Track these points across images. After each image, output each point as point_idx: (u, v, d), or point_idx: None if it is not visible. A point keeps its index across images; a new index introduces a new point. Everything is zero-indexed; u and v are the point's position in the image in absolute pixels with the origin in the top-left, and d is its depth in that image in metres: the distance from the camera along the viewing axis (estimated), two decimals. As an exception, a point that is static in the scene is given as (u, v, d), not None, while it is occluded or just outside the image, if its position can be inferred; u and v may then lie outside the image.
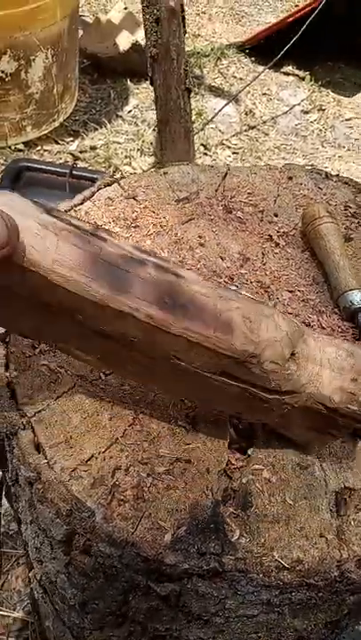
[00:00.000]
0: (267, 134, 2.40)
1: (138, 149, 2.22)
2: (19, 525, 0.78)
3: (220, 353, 0.48)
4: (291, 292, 0.71)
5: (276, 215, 0.80)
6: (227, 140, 2.35)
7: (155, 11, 1.49)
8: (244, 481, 0.56)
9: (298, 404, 0.52)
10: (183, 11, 1.54)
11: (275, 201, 0.82)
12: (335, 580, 0.53)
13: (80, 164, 2.08)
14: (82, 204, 0.78)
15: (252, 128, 2.42)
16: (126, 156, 2.19)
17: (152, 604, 0.59)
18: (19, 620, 1.19)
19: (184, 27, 1.55)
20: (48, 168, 1.73)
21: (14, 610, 1.19)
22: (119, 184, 0.81)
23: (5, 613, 1.18)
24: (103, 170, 2.06)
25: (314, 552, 0.52)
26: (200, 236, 0.76)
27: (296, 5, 3.11)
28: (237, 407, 0.55)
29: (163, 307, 0.48)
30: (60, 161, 2.16)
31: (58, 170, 1.72)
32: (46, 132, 2.19)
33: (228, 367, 0.50)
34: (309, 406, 0.52)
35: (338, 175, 0.87)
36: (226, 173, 0.85)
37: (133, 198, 0.79)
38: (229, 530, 0.52)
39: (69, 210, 0.77)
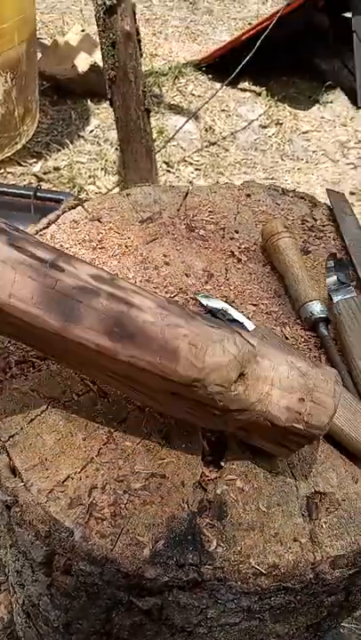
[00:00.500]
0: (227, 150, 2.46)
1: (101, 168, 2.24)
2: (-2, 551, 0.78)
3: (166, 378, 0.51)
4: (255, 305, 0.73)
5: (236, 232, 0.83)
6: (189, 156, 2.39)
7: (111, 35, 1.52)
8: (218, 492, 0.57)
9: (249, 420, 0.54)
10: (138, 34, 1.58)
11: (235, 218, 0.85)
12: (311, 582, 0.54)
13: (44, 186, 2.09)
14: (47, 227, 0.79)
15: (213, 144, 2.47)
16: (90, 176, 2.21)
17: (135, 619, 0.60)
18: (2, 649, 1.17)
19: (140, 49, 1.58)
20: (12, 190, 1.74)
21: (-3, 638, 1.17)
22: (83, 207, 0.83)
23: (-12, 642, 1.17)
24: (67, 190, 2.07)
25: (289, 556, 0.53)
26: (165, 255, 0.78)
27: (249, 24, 3.20)
28: (195, 419, 0.57)
29: (112, 336, 0.51)
30: (24, 183, 2.16)
31: (22, 192, 1.73)
32: (9, 154, 2.19)
33: (175, 389, 0.52)
34: (260, 422, 0.54)
35: (294, 191, 0.90)
36: (187, 193, 0.87)
37: (98, 220, 0.81)
38: (206, 540, 0.54)
39: (35, 234, 0.78)
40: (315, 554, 0.54)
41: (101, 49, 1.60)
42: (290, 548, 0.54)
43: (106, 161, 2.28)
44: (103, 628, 0.65)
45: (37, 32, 2.40)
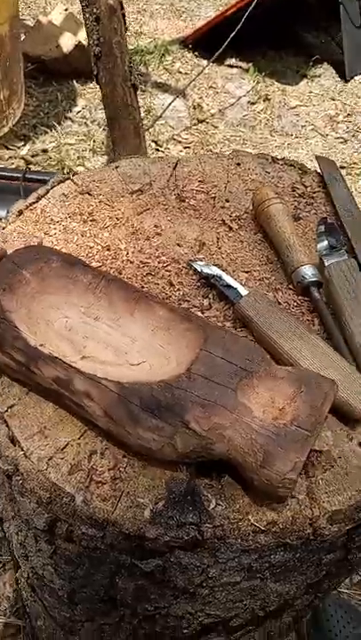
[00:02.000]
0: (216, 127, 2.44)
1: (90, 149, 2.23)
2: (1, 525, 0.79)
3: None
4: (247, 272, 0.74)
5: (227, 201, 0.83)
6: (177, 135, 2.37)
7: (94, 9, 1.49)
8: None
9: None
10: (122, 8, 1.56)
11: (225, 187, 0.84)
12: (309, 537, 0.55)
13: (33, 168, 2.08)
14: (37, 202, 0.79)
15: (202, 122, 2.46)
16: (79, 157, 2.19)
17: (138, 582, 0.61)
18: (10, 626, 1.19)
19: (125, 24, 1.56)
20: (0, 173, 1.72)
21: (5, 615, 1.19)
22: (72, 180, 0.83)
23: (-4, 619, 1.18)
24: (56, 172, 2.06)
25: (287, 512, 0.54)
26: (156, 226, 0.78)
27: (234, -2, 3.16)
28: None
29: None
30: (13, 166, 2.14)
31: (11, 174, 1.71)
32: (-5, 138, 2.17)
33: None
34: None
35: (283, 159, 0.90)
36: (176, 164, 0.87)
37: (88, 193, 0.81)
38: (205, 499, 0.54)
39: (25, 209, 0.78)
40: (312, 509, 0.55)
41: (85, 25, 1.58)
42: (288, 504, 0.55)
43: (94, 142, 2.26)
44: (107, 594, 0.66)
45: (20, 12, 2.36)
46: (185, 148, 2.31)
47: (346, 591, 1.31)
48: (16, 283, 0.62)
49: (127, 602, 0.66)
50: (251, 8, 2.34)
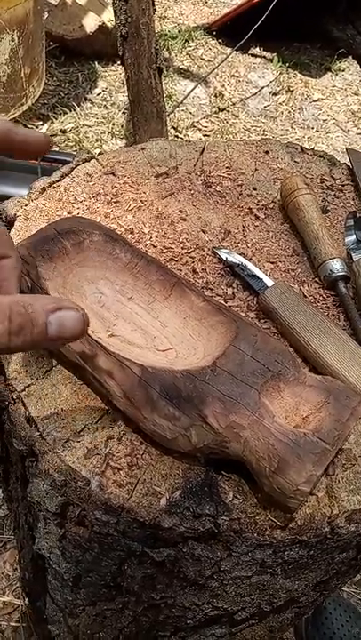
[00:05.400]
0: (237, 116, 2.41)
1: (108, 132, 2.21)
2: (9, 505, 0.78)
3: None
4: (273, 262, 0.72)
5: (254, 189, 0.81)
6: (197, 122, 2.35)
7: (123, -11, 1.47)
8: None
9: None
10: (151, -11, 1.53)
11: (253, 175, 0.83)
12: (326, 536, 0.54)
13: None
14: (60, 180, 0.78)
15: (222, 110, 2.43)
16: (97, 139, 2.17)
17: (147, 571, 0.60)
18: (9, 605, 1.19)
19: (153, 5, 1.53)
20: (19, 152, 1.70)
21: (4, 594, 1.19)
22: (97, 160, 0.81)
23: (-6, 598, 1.18)
24: (75, 153, 2.04)
25: (305, 509, 0.53)
26: (181, 211, 0.76)
27: (262, -14, 3.11)
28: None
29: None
30: (30, 145, 2.12)
31: (29, 153, 1.69)
32: (14, 116, 2.15)
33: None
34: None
35: (313, 149, 0.88)
36: (203, 148, 0.85)
37: (112, 174, 0.79)
38: (223, 492, 0.53)
39: (48, 186, 0.76)
40: (331, 508, 0.54)
41: (113, 4, 1.55)
42: (307, 501, 0.54)
43: (113, 125, 2.24)
44: (114, 580, 0.65)
45: (44, -11, 2.33)
46: (205, 135, 2.28)
47: (345, 590, 1.31)
48: (56, 252, 0.61)
49: (133, 589, 0.65)
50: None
